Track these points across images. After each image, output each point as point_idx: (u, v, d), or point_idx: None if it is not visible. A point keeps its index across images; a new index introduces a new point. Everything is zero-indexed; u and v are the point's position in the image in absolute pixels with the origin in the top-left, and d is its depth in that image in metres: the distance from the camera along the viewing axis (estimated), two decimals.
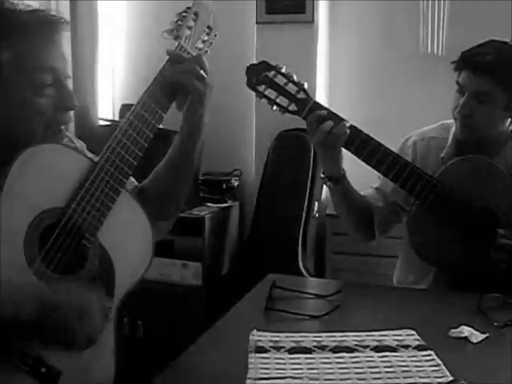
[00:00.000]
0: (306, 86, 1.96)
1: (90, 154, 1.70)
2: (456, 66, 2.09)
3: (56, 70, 1.47)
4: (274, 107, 1.96)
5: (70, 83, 1.53)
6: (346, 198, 2.16)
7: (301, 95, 1.95)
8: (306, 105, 1.95)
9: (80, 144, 1.75)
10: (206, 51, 1.68)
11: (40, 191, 1.38)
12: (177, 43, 1.62)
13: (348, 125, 1.95)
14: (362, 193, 2.24)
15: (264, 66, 1.95)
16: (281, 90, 1.94)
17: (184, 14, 1.64)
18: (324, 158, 2.05)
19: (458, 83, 2.08)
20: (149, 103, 1.55)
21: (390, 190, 2.18)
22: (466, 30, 3.49)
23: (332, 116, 1.95)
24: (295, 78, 1.96)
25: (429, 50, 3.68)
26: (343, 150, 2.00)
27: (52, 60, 1.46)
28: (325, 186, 3.68)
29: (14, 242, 1.33)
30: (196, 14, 1.65)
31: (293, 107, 1.95)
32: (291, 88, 1.95)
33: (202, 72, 1.58)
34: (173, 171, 1.73)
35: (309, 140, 2.02)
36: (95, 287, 1.41)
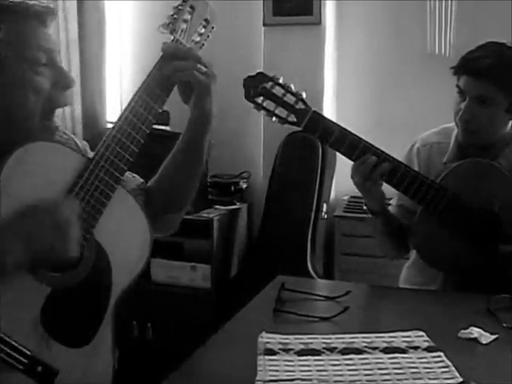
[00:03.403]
0: (304, 95, 1.94)
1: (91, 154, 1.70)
2: (456, 71, 2.08)
3: (50, 51, 1.47)
4: (274, 118, 1.95)
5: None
6: (386, 226, 2.17)
7: (299, 105, 1.93)
8: (305, 115, 1.93)
9: (82, 144, 1.74)
10: (203, 44, 1.68)
11: (33, 190, 1.37)
12: (172, 37, 1.61)
13: (387, 166, 1.96)
14: None
15: (261, 77, 1.93)
16: (279, 101, 1.92)
17: (180, 7, 1.63)
18: (365, 196, 2.07)
19: (458, 87, 2.08)
20: (144, 98, 1.54)
21: (409, 202, 2.16)
22: (473, 30, 3.48)
23: (374, 155, 1.96)
24: (293, 87, 1.94)
25: (436, 50, 3.68)
26: None
27: (45, 41, 1.46)
28: (333, 187, 3.74)
29: None
30: (192, 6, 1.64)
31: (292, 118, 1.93)
32: (289, 98, 1.93)
33: (201, 66, 1.57)
34: (182, 164, 1.72)
35: (352, 173, 2.02)
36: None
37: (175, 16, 1.61)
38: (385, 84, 3.83)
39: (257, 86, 1.93)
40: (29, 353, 1.31)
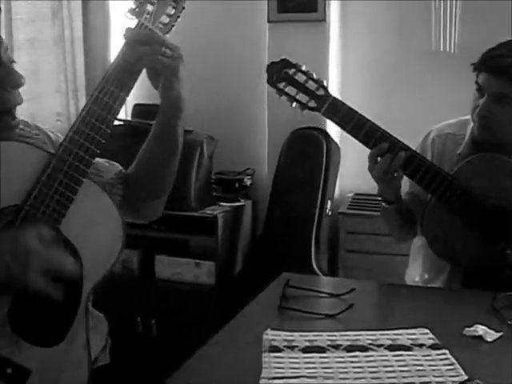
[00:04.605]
0: (325, 83, 1.98)
1: None
2: (475, 67, 2.07)
3: None
4: (294, 104, 1.98)
5: (14, 66, 1.49)
6: (398, 213, 2.17)
7: (320, 92, 1.97)
8: (325, 101, 1.97)
9: (55, 135, 1.72)
10: (173, 26, 1.63)
11: None
12: (137, 21, 1.56)
13: (404, 155, 1.97)
14: None
15: (284, 63, 1.97)
16: (301, 87, 1.97)
17: None
18: (381, 187, 2.08)
19: (477, 83, 2.07)
20: (108, 88, 1.50)
21: (420, 190, 2.17)
22: (478, 28, 3.48)
23: (390, 145, 1.97)
24: (315, 75, 1.98)
25: (441, 47, 3.67)
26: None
27: None
28: (337, 184, 3.73)
29: None
30: None
31: (312, 103, 1.97)
32: (311, 85, 1.97)
33: (166, 49, 1.54)
34: (156, 151, 1.71)
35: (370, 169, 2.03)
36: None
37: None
38: (389, 81, 3.83)
39: (280, 72, 1.96)
40: None
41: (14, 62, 1.51)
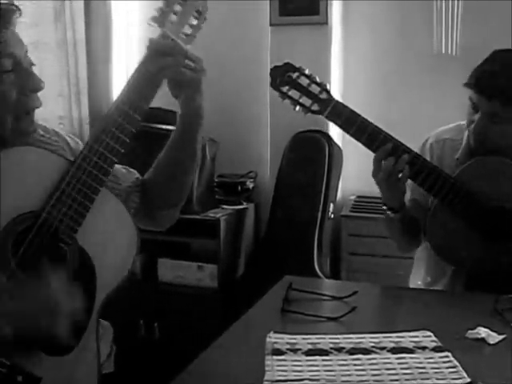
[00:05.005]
0: (328, 86, 1.99)
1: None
2: (467, 86, 2.07)
3: (15, 56, 1.44)
4: (297, 107, 1.99)
5: (34, 69, 1.49)
6: (402, 222, 2.16)
7: (323, 95, 1.98)
8: (328, 104, 1.98)
9: (75, 142, 1.71)
10: (195, 37, 1.61)
11: (13, 196, 1.35)
12: (160, 31, 1.55)
13: (408, 157, 1.97)
14: None
15: (288, 67, 1.98)
16: (304, 91, 1.97)
17: None
18: (386, 193, 2.07)
19: (470, 99, 2.07)
20: (129, 97, 1.49)
21: (422, 196, 2.16)
22: (479, 30, 3.47)
23: (393, 147, 1.97)
24: (318, 79, 1.98)
25: (443, 49, 3.67)
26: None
27: (9, 46, 1.42)
28: (340, 187, 3.73)
29: None
30: None
31: (315, 107, 1.98)
32: (314, 88, 1.98)
33: (189, 62, 1.53)
34: (175, 159, 1.69)
35: (373, 175, 2.03)
36: (71, 289, 1.35)
37: (164, 8, 1.56)
38: (391, 84, 3.83)
39: (283, 75, 1.97)
40: (8, 362, 1.27)
41: (33, 64, 1.50)
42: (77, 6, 3.85)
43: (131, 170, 1.78)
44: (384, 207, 2.14)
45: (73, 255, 1.40)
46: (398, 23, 3.78)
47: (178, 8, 1.57)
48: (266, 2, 3.76)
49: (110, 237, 1.48)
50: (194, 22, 1.60)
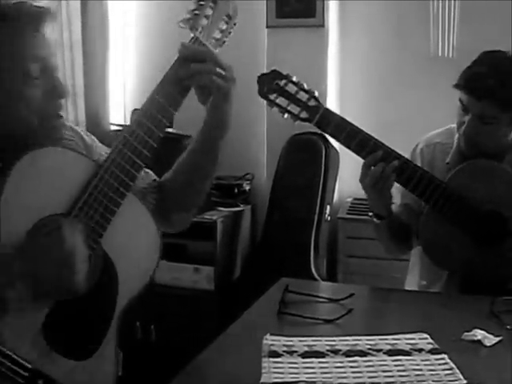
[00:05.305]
0: (316, 93, 1.97)
1: (100, 148, 1.66)
2: (457, 87, 2.08)
3: (43, 60, 1.43)
4: (286, 115, 1.97)
5: (59, 73, 1.48)
6: (390, 229, 2.16)
7: (312, 102, 1.96)
8: (317, 111, 1.97)
9: (90, 139, 1.69)
10: (224, 42, 1.60)
11: (40, 197, 1.34)
12: (192, 35, 1.53)
13: (397, 163, 1.97)
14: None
15: (275, 74, 1.97)
16: (292, 98, 1.96)
17: (201, 1, 1.55)
18: (373, 199, 2.07)
19: (460, 101, 2.08)
20: (159, 101, 1.47)
21: (414, 201, 2.17)
22: (476, 32, 3.48)
23: (384, 154, 1.97)
24: (305, 86, 1.97)
25: (439, 52, 3.68)
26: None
27: (40, 49, 1.42)
28: (336, 189, 3.73)
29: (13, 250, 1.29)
30: (214, 1, 1.56)
31: (304, 114, 1.97)
32: (302, 96, 1.96)
33: (220, 70, 1.51)
34: (196, 165, 1.66)
35: (361, 180, 2.03)
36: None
37: (196, 11, 1.53)
38: (388, 86, 3.83)
39: (271, 83, 1.96)
40: (29, 366, 1.27)
41: (57, 67, 1.49)
42: (73, 6, 3.84)
43: (148, 170, 1.74)
44: (370, 214, 2.14)
45: (96, 260, 1.39)
46: (394, 25, 3.79)
47: (209, 12, 1.55)
48: (262, 4, 3.77)
49: (134, 243, 1.46)
50: (224, 27, 1.59)
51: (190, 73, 1.49)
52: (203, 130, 1.61)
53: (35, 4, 1.44)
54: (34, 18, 1.42)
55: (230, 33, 1.62)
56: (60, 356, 1.35)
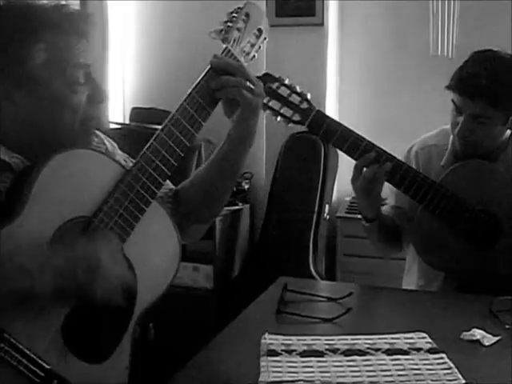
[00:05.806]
0: (308, 96, 1.98)
1: (120, 155, 1.66)
2: (449, 88, 2.08)
3: (87, 66, 1.44)
4: (278, 118, 1.98)
5: (100, 76, 1.49)
6: (380, 231, 2.17)
7: (304, 105, 1.97)
8: (309, 114, 1.97)
9: (111, 145, 1.69)
10: (254, 56, 1.61)
11: (68, 199, 1.33)
12: (224, 47, 1.54)
13: (390, 165, 1.97)
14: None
15: (267, 77, 1.96)
16: (284, 101, 1.96)
17: (235, 14, 1.56)
18: (362, 201, 2.07)
19: (453, 102, 2.08)
20: (189, 111, 1.47)
21: (407, 205, 2.17)
22: (476, 31, 3.49)
23: (376, 155, 1.97)
24: (298, 88, 1.97)
25: (439, 51, 3.67)
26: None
27: (84, 56, 1.43)
28: (335, 188, 3.73)
29: (38, 249, 1.28)
30: (247, 14, 1.57)
31: (296, 117, 1.97)
32: (294, 98, 1.97)
33: (250, 84, 1.50)
34: (216, 176, 1.64)
35: (351, 182, 2.03)
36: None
37: (229, 24, 1.54)
38: (387, 85, 3.83)
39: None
40: (47, 366, 1.27)
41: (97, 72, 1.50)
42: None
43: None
44: (359, 216, 2.14)
45: (118, 265, 1.36)
46: (394, 25, 3.79)
47: (241, 24, 1.56)
48: (262, 3, 3.76)
49: (155, 250, 1.46)
50: (254, 41, 1.61)
51: (221, 85, 1.50)
52: (227, 143, 1.60)
53: (77, 8, 1.44)
54: (79, 24, 1.44)
55: (260, 47, 1.63)
56: (75, 358, 1.34)
